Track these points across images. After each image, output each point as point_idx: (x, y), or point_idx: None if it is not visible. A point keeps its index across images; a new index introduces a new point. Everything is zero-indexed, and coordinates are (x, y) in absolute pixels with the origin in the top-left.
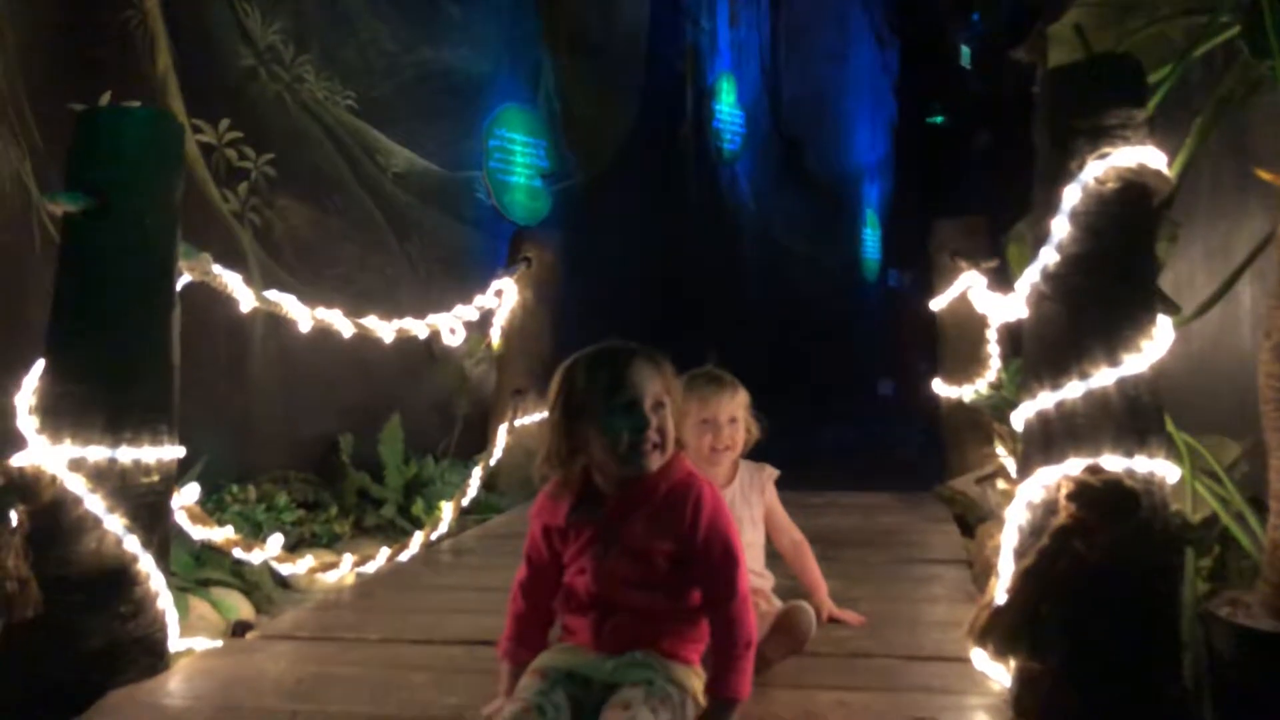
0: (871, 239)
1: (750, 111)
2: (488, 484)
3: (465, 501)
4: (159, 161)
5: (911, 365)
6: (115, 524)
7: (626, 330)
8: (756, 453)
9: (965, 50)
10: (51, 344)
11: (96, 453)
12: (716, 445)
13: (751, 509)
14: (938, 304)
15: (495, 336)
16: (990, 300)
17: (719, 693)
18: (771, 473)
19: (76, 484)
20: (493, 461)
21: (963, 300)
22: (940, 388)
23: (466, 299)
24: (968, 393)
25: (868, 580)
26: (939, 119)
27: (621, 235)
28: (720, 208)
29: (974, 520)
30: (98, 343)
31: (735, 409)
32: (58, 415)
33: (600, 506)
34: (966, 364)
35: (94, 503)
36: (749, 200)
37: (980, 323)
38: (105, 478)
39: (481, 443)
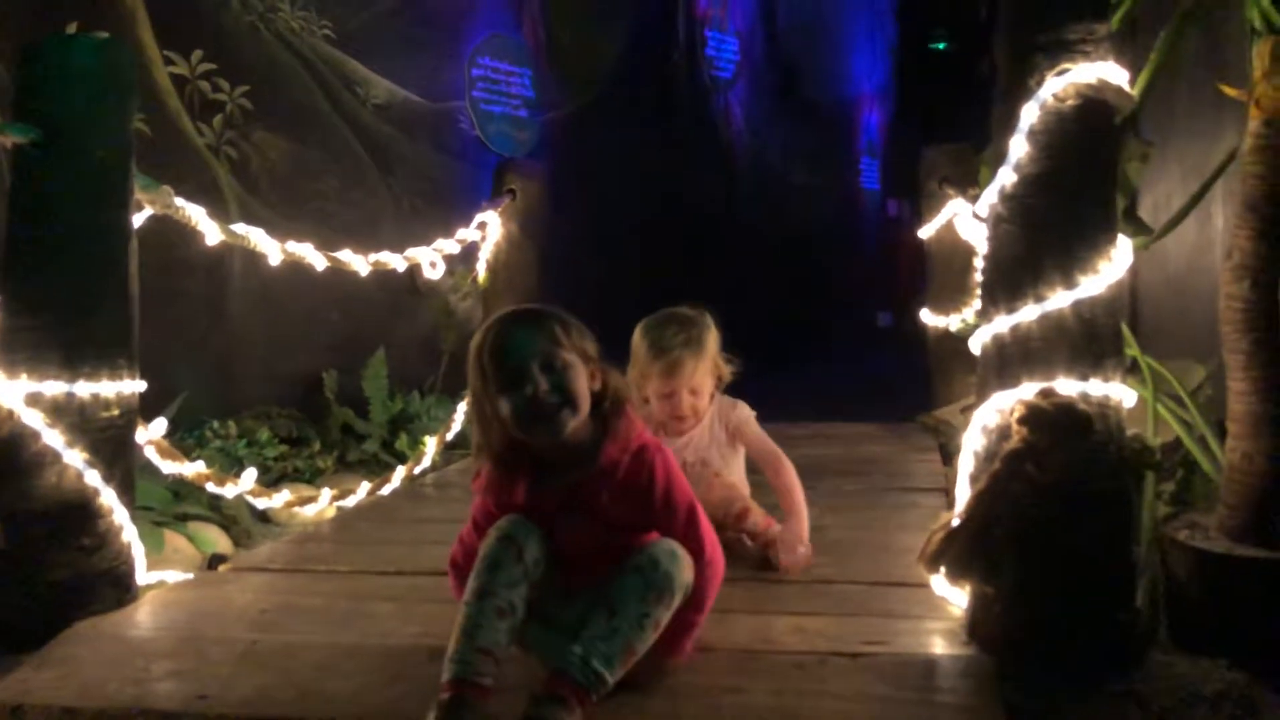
0: (870, 168)
1: (744, 38)
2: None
3: (450, 436)
4: (109, 91)
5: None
6: (75, 458)
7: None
8: (752, 385)
9: None
10: (4, 278)
11: (53, 387)
12: (676, 414)
13: (720, 446)
14: (925, 232)
15: (480, 270)
16: (975, 227)
17: (658, 654)
18: (745, 413)
19: (34, 419)
20: None
21: (950, 228)
22: (928, 317)
23: (450, 232)
24: (954, 322)
25: (843, 509)
26: (941, 44)
27: (611, 166)
28: (714, 137)
29: (955, 449)
30: (51, 276)
31: (698, 378)
32: (13, 350)
33: (558, 485)
34: (954, 293)
35: (52, 437)
36: (743, 129)
37: (967, 251)
38: (63, 412)
39: (468, 377)
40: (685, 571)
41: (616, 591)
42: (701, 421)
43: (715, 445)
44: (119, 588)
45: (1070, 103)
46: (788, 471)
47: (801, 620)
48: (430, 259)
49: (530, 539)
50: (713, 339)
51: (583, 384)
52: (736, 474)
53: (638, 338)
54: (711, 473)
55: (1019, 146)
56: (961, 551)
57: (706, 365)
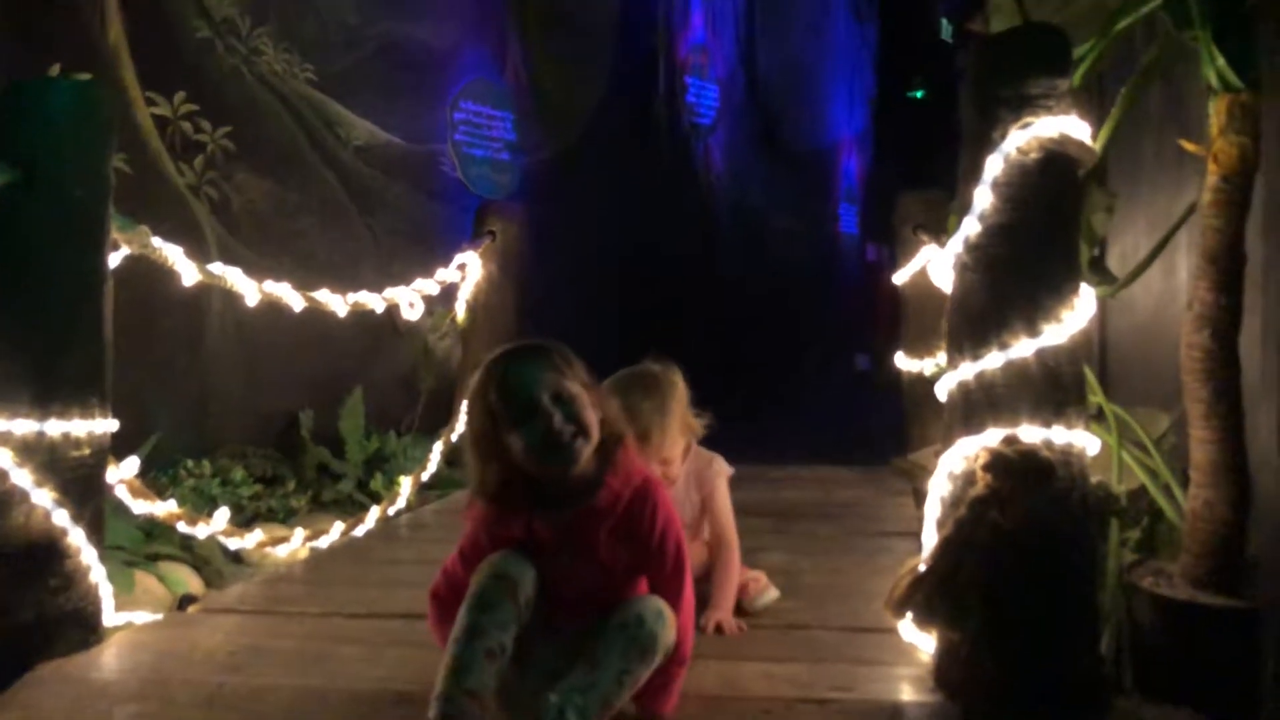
0: (849, 213)
1: (725, 85)
2: (449, 459)
3: (425, 476)
4: (88, 132)
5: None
6: (43, 497)
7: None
8: (731, 428)
9: (945, 24)
10: None
11: (23, 426)
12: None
13: (693, 505)
14: (900, 277)
15: (460, 310)
16: (947, 274)
17: (658, 708)
18: (722, 469)
19: (3, 458)
20: (455, 436)
21: (924, 274)
22: (903, 361)
23: (430, 273)
24: (928, 366)
25: (816, 552)
26: (919, 93)
27: (591, 210)
28: (694, 182)
29: (927, 493)
30: (25, 316)
31: (667, 447)
32: None
33: (559, 518)
34: (928, 338)
35: (21, 477)
36: (723, 174)
37: (941, 297)
38: (33, 451)
39: (445, 417)
40: (669, 631)
41: (600, 645)
42: (676, 482)
43: (689, 504)
44: (85, 629)
45: (1033, 155)
46: (731, 559)
47: (770, 666)
48: (409, 299)
49: (525, 578)
50: (679, 400)
51: (591, 412)
52: (696, 526)
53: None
54: (691, 536)
55: (983, 197)
56: (928, 597)
57: (675, 428)
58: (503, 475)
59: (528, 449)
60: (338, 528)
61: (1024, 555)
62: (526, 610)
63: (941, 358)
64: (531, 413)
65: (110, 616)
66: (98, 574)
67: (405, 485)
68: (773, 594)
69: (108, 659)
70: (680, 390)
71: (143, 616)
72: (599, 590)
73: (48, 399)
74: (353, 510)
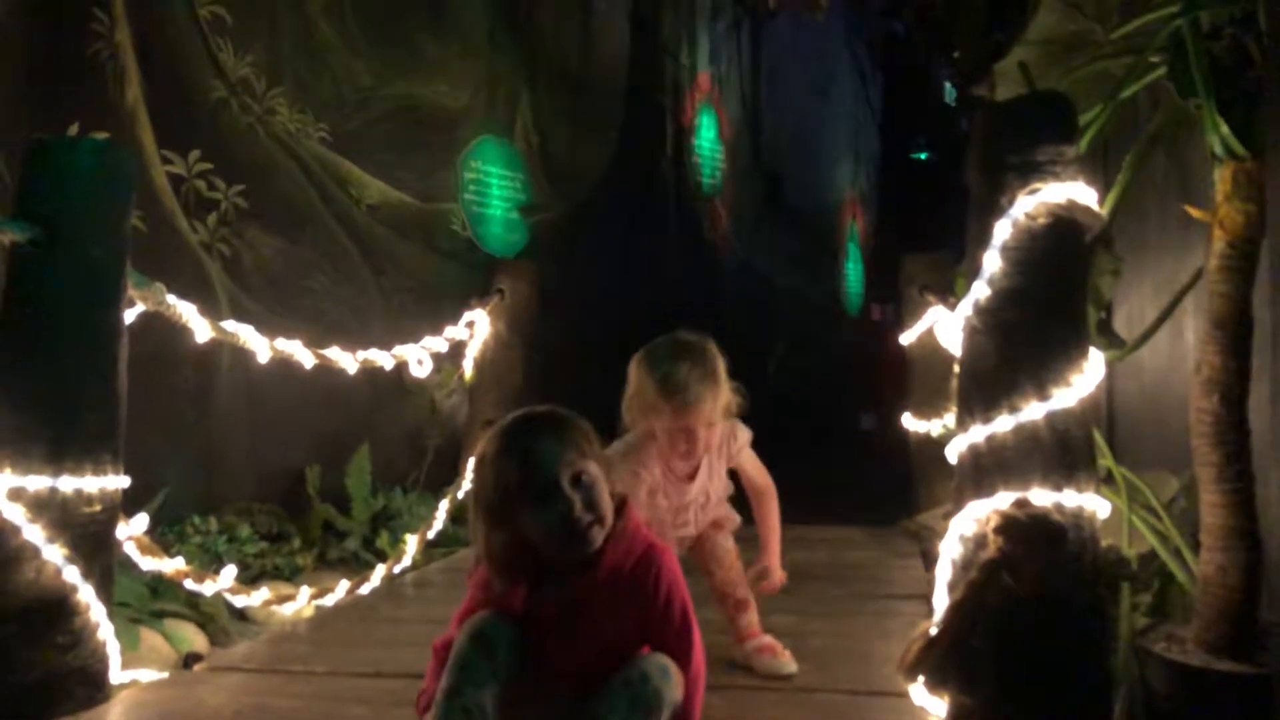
0: (854, 273)
1: (731, 146)
2: (455, 516)
3: (431, 534)
4: (108, 192)
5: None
6: (55, 554)
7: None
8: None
9: (949, 87)
10: None
11: (36, 482)
12: (691, 454)
13: (718, 477)
14: (907, 338)
15: (467, 368)
16: (955, 335)
17: None
18: (744, 437)
19: (15, 513)
20: (461, 494)
21: (931, 335)
22: (909, 421)
23: (439, 330)
24: (935, 427)
25: (826, 615)
26: (922, 155)
27: (599, 268)
28: (700, 242)
29: (937, 555)
30: (40, 372)
31: (713, 413)
32: None
33: (560, 591)
34: (934, 398)
35: (33, 533)
36: (729, 234)
37: (948, 357)
38: (45, 507)
39: (451, 475)
40: (675, 690)
41: (603, 704)
42: (705, 454)
43: (715, 477)
44: (92, 686)
45: (1041, 220)
46: (773, 506)
47: None
48: (418, 356)
49: (501, 638)
50: (723, 369)
51: (608, 498)
52: (722, 491)
53: (643, 370)
54: (717, 504)
55: (992, 261)
56: (939, 661)
57: (722, 400)
58: (509, 543)
59: (545, 530)
60: (343, 586)
61: (1036, 619)
62: (506, 669)
63: (949, 419)
64: (552, 494)
65: (117, 674)
66: (105, 631)
67: (411, 543)
68: (790, 667)
69: (114, 717)
70: (721, 359)
71: (148, 674)
72: (600, 663)
73: (61, 455)
74: (358, 568)
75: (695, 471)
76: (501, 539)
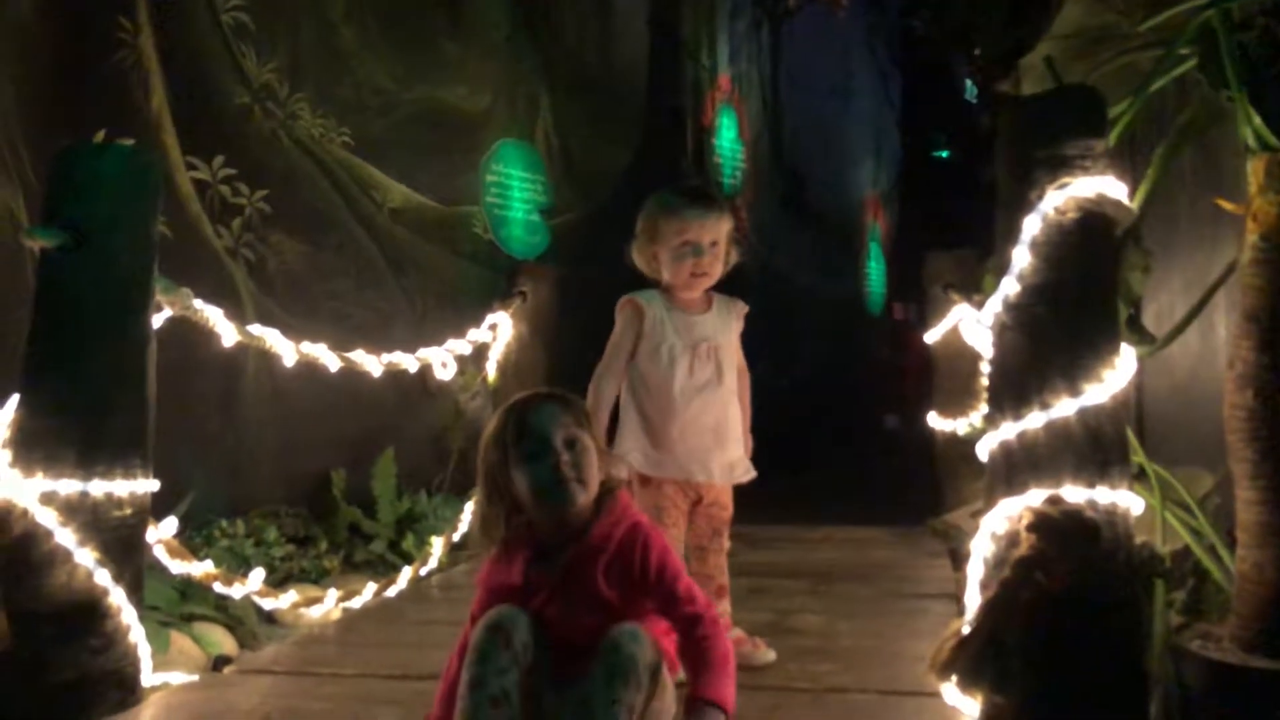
0: (876, 272)
1: (751, 146)
2: None
3: (456, 537)
4: (136, 197)
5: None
6: (86, 557)
7: None
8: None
9: (969, 84)
10: (26, 378)
11: (68, 486)
12: (696, 270)
13: (729, 335)
14: (931, 337)
15: (490, 370)
16: (980, 333)
17: (704, 694)
18: (742, 308)
19: (47, 517)
20: None
21: (956, 333)
22: (935, 421)
23: (463, 333)
24: (961, 426)
25: (854, 615)
26: (944, 152)
27: (621, 270)
28: None
29: (965, 554)
30: (70, 377)
31: (718, 231)
32: (30, 449)
33: (554, 563)
34: (960, 397)
35: (65, 536)
36: (750, 234)
37: (973, 355)
38: (77, 511)
39: (476, 477)
40: (646, 650)
41: (589, 684)
42: (710, 310)
43: (726, 333)
44: (124, 689)
45: (1071, 215)
46: (747, 383)
47: None
48: (442, 359)
49: (517, 625)
50: (728, 213)
51: (595, 469)
52: (734, 370)
53: (651, 208)
54: (721, 535)
55: (1022, 257)
56: (973, 660)
57: (727, 223)
58: (506, 515)
59: (532, 486)
60: (370, 588)
61: (1070, 617)
62: (525, 654)
63: (975, 417)
64: (543, 450)
65: (148, 677)
66: (137, 634)
67: (437, 546)
68: (769, 655)
69: (146, 719)
70: (728, 213)
71: (179, 677)
72: (595, 635)
73: (92, 459)
74: (384, 571)
75: (709, 306)
76: (500, 511)
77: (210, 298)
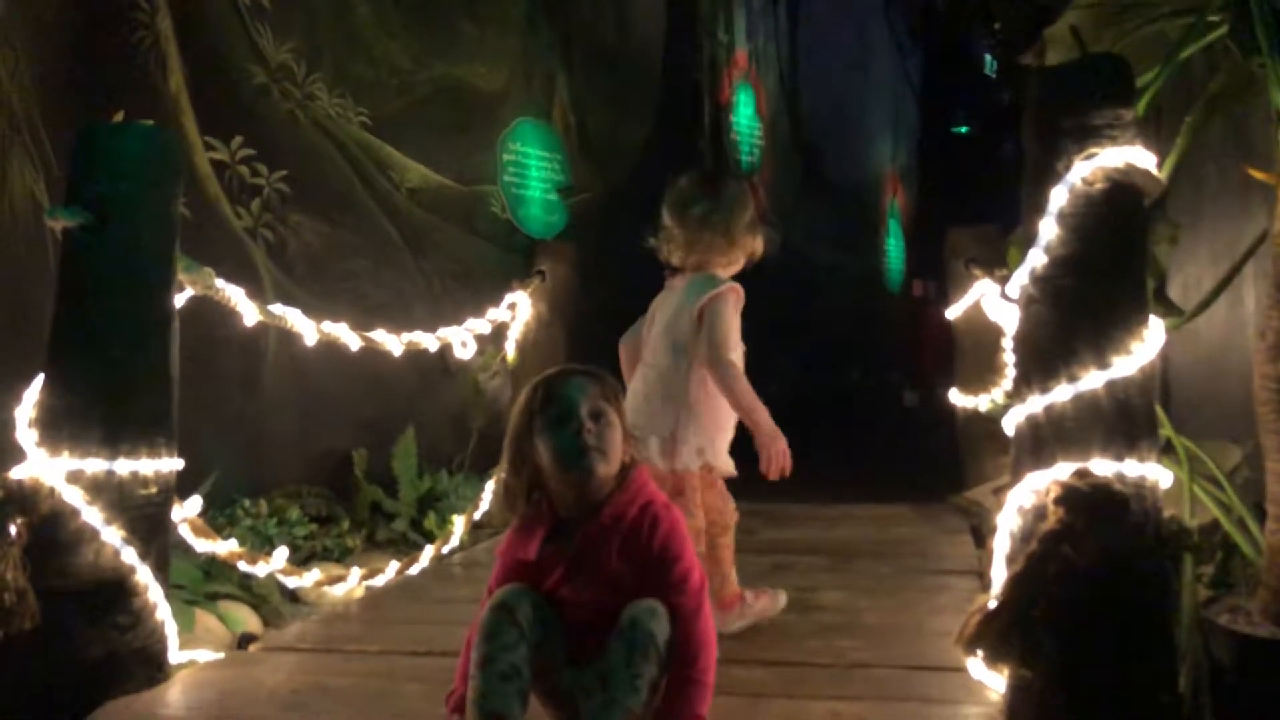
0: (895, 248)
1: (769, 123)
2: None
3: (478, 515)
4: (157, 177)
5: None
6: (113, 536)
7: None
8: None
9: (989, 59)
10: (50, 357)
11: (94, 465)
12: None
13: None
14: (953, 312)
15: (510, 350)
16: (1003, 308)
17: (675, 714)
18: (718, 292)
19: (74, 496)
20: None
21: (978, 309)
22: (957, 397)
23: (481, 312)
24: (984, 402)
25: (876, 591)
26: (963, 128)
27: (638, 248)
28: None
29: (987, 530)
30: (95, 356)
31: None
32: (56, 428)
33: (570, 538)
34: (983, 373)
35: (92, 515)
36: (768, 211)
37: (995, 331)
38: (103, 490)
39: (496, 456)
40: (664, 625)
41: (608, 662)
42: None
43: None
44: (151, 666)
45: (1099, 186)
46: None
47: (836, 705)
48: (461, 339)
49: (523, 603)
50: (744, 216)
51: (619, 444)
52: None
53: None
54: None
55: (1049, 229)
56: (999, 634)
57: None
58: (528, 488)
59: (554, 452)
60: (393, 567)
61: (1098, 591)
62: (532, 631)
63: (997, 393)
64: (568, 417)
65: (174, 654)
66: (164, 612)
67: (458, 524)
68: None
69: (174, 696)
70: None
71: (205, 655)
72: (608, 611)
73: (117, 438)
74: (406, 549)
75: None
76: (522, 483)
77: (230, 278)
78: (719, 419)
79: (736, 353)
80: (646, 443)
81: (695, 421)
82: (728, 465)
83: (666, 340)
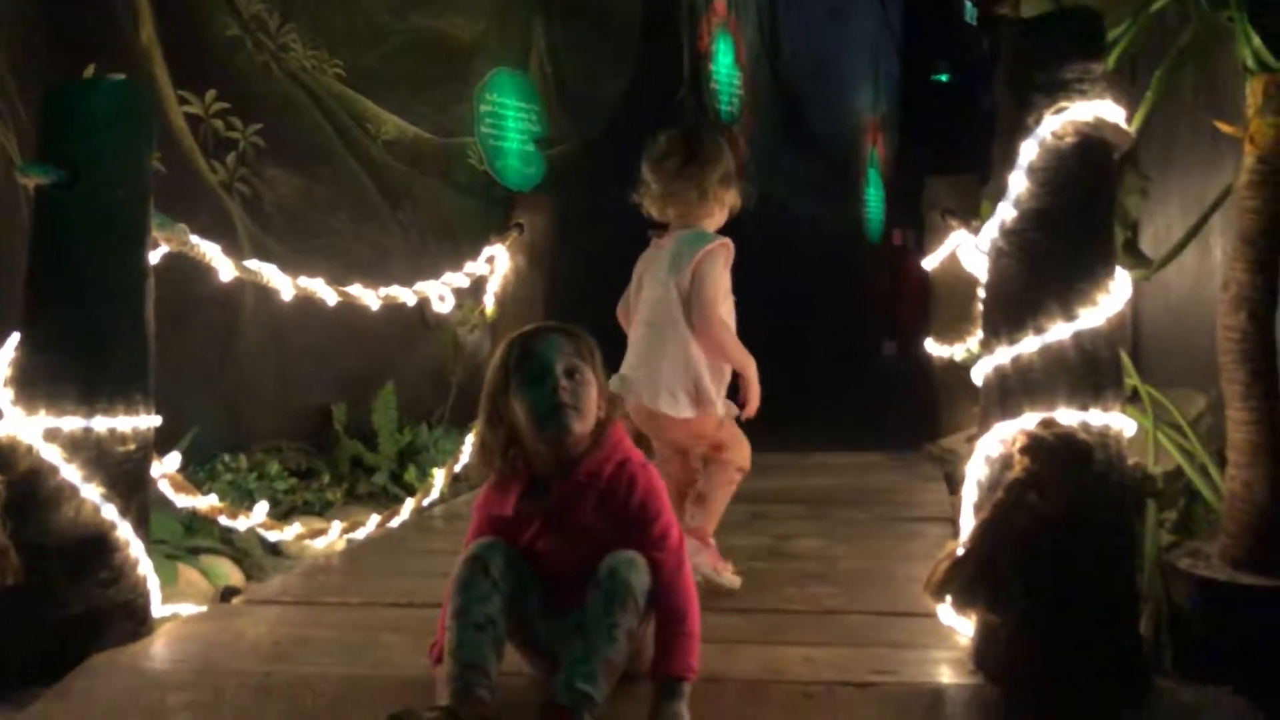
0: (875, 198)
1: (749, 72)
2: None
3: (458, 468)
4: (129, 132)
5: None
6: (92, 492)
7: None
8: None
9: (970, 7)
10: (25, 315)
11: (71, 422)
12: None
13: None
14: (930, 263)
15: (489, 303)
16: (978, 259)
17: (665, 670)
18: (710, 249)
19: (52, 454)
20: None
21: (954, 259)
22: (933, 346)
23: (459, 266)
24: (959, 351)
25: (850, 538)
26: (944, 77)
27: (618, 199)
28: None
29: (961, 478)
30: (69, 314)
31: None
32: (32, 386)
33: (547, 494)
34: (958, 323)
35: (70, 472)
36: (749, 161)
37: (971, 281)
38: (81, 447)
39: (476, 409)
40: (643, 576)
41: (586, 612)
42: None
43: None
44: (135, 620)
45: (1068, 140)
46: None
47: (810, 650)
48: (439, 293)
49: (495, 555)
50: (718, 171)
51: (594, 401)
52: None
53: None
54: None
55: (1018, 182)
56: (967, 581)
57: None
58: (504, 445)
59: (529, 410)
60: (373, 520)
61: (1062, 538)
62: (505, 581)
63: (973, 342)
64: (543, 375)
65: (157, 608)
66: (145, 566)
67: (438, 477)
68: (734, 582)
69: (158, 649)
70: (715, 171)
71: (188, 608)
72: (585, 565)
73: (94, 395)
74: (387, 502)
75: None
76: (498, 438)
77: (206, 233)
78: (723, 367)
79: (726, 305)
80: (676, 397)
81: (714, 370)
82: (734, 409)
83: (673, 296)
